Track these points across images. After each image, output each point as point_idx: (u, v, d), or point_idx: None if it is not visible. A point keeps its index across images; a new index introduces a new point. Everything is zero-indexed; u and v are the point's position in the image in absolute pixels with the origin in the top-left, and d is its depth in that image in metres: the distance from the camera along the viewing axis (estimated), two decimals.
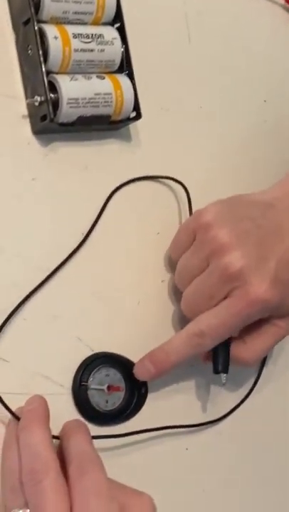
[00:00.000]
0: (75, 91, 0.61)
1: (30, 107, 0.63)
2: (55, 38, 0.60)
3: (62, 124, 0.61)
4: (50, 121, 0.60)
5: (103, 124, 0.64)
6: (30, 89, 0.62)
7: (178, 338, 0.61)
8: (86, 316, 0.63)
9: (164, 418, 0.64)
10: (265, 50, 0.78)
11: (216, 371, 0.62)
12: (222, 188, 0.66)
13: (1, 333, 0.58)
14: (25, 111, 0.63)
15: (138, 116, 0.65)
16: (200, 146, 0.72)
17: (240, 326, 0.61)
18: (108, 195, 0.65)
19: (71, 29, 0.61)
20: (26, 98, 0.63)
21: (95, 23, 0.63)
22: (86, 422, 0.59)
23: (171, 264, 0.66)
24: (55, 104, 0.60)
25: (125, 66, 0.64)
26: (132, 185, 0.66)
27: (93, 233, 0.64)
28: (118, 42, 0.63)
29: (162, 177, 0.68)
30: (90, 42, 0.62)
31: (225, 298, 0.60)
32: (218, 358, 0.62)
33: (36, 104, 0.61)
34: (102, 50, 0.62)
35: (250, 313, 0.60)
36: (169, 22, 0.72)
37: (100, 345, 0.62)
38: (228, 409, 0.67)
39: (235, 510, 0.67)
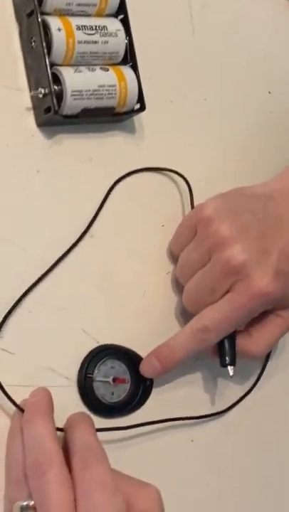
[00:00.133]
0: (79, 83, 0.61)
1: (34, 99, 0.63)
2: (59, 29, 0.60)
3: (67, 116, 0.61)
4: (54, 114, 0.60)
5: (107, 116, 0.64)
6: (34, 82, 0.62)
7: (182, 335, 0.61)
8: (91, 308, 0.62)
9: (169, 410, 0.64)
10: (269, 42, 0.77)
11: (223, 364, 0.62)
12: (226, 181, 0.65)
13: (7, 326, 0.58)
14: (29, 103, 0.63)
15: (142, 108, 0.65)
16: (204, 138, 0.71)
17: (244, 319, 0.61)
18: (109, 187, 0.65)
19: (75, 21, 0.61)
20: (30, 90, 0.63)
21: (99, 14, 0.63)
22: (91, 414, 0.59)
23: (173, 258, 0.66)
24: (59, 96, 0.60)
25: (129, 58, 0.64)
26: (134, 178, 0.66)
27: (97, 225, 0.64)
28: (122, 34, 0.63)
29: (163, 169, 0.68)
30: (93, 34, 0.62)
31: (227, 292, 0.60)
32: (225, 351, 0.62)
33: (40, 96, 0.61)
34: (106, 42, 0.62)
35: (253, 307, 0.60)
36: (173, 14, 0.72)
37: (105, 337, 0.62)
38: (233, 401, 0.67)
39: (240, 502, 0.67)
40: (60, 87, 0.60)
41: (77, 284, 0.62)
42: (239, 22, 0.76)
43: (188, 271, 0.63)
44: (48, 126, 0.63)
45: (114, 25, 0.63)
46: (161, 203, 0.68)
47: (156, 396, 0.64)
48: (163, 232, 0.67)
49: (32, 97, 0.63)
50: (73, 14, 0.62)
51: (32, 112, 0.63)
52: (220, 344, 0.62)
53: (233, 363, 0.62)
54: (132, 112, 0.65)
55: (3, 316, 0.58)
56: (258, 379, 0.69)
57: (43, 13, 0.60)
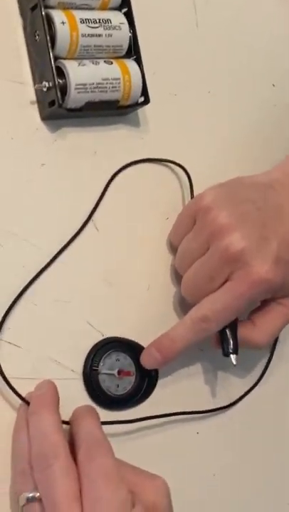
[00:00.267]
0: (83, 76, 0.61)
1: (38, 92, 0.63)
2: (63, 23, 0.60)
3: (71, 110, 0.61)
4: (58, 107, 0.60)
5: (111, 109, 0.64)
6: (38, 75, 0.62)
7: (182, 325, 0.61)
8: (96, 301, 0.63)
9: (175, 403, 0.64)
10: (273, 35, 0.77)
11: (226, 353, 0.62)
12: (228, 174, 0.65)
13: (12, 319, 0.58)
14: (33, 97, 0.63)
15: (146, 101, 0.65)
16: (208, 131, 0.71)
17: (244, 307, 0.60)
18: (109, 178, 0.65)
19: (78, 14, 0.61)
20: (34, 84, 0.63)
21: (103, 8, 0.63)
22: (96, 407, 0.60)
23: (173, 249, 0.66)
24: (63, 90, 0.60)
25: (133, 51, 0.64)
26: (136, 170, 0.66)
27: (100, 217, 0.64)
28: (126, 27, 0.63)
29: (163, 160, 0.68)
30: (97, 27, 0.62)
31: (226, 281, 0.60)
32: (227, 340, 0.62)
33: (44, 89, 0.61)
34: (110, 35, 0.62)
35: (253, 295, 0.59)
36: (177, 6, 0.72)
37: (110, 330, 0.62)
38: (238, 395, 0.67)
39: (245, 494, 0.67)
40: (64, 80, 0.60)
41: (82, 277, 0.62)
42: (243, 15, 0.76)
43: (187, 260, 0.62)
44: (52, 120, 0.63)
45: (118, 18, 0.63)
46: (163, 194, 0.68)
47: (161, 388, 0.64)
48: (168, 225, 0.67)
49: (36, 91, 0.63)
50: (77, 7, 0.62)
51: (36, 106, 0.63)
52: (222, 333, 0.62)
53: (235, 352, 0.62)
54: (136, 105, 0.65)
55: (7, 307, 0.58)
56: (264, 373, 0.69)
57: (46, 7, 0.61)
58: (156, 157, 0.67)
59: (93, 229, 0.64)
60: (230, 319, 0.61)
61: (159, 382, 0.64)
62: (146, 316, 0.64)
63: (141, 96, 0.64)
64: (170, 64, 0.70)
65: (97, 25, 0.62)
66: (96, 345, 0.62)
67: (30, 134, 0.62)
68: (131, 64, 0.64)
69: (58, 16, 0.60)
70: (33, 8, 0.61)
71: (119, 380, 0.62)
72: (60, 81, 0.60)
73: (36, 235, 0.61)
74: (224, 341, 0.62)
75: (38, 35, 0.61)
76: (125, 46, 0.64)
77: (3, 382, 0.56)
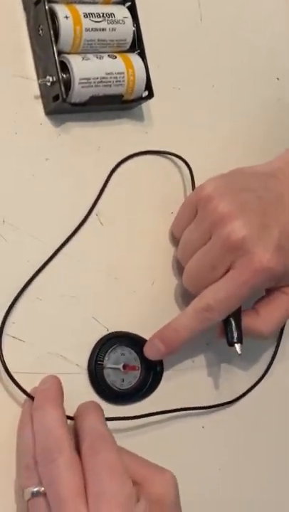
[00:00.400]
0: (87, 70, 0.61)
1: (42, 87, 0.63)
2: (66, 17, 0.60)
3: (75, 104, 0.61)
4: (62, 101, 0.60)
5: (115, 104, 0.64)
6: (42, 70, 0.62)
7: (185, 315, 0.61)
8: (101, 295, 0.63)
9: (180, 397, 0.64)
10: (278, 28, 0.77)
11: (230, 343, 0.61)
12: (233, 167, 0.65)
13: (17, 314, 0.58)
14: (37, 91, 0.63)
15: (150, 95, 0.65)
16: (212, 125, 0.71)
17: (246, 296, 0.60)
18: (110, 170, 0.65)
19: (82, 8, 0.61)
20: (38, 78, 0.63)
21: (106, 2, 0.63)
22: (102, 401, 0.60)
23: (175, 242, 0.66)
24: (67, 84, 0.60)
25: (137, 45, 0.64)
26: (138, 164, 0.66)
27: (104, 210, 0.64)
28: (129, 21, 0.63)
29: (163, 152, 0.68)
30: (101, 21, 0.62)
31: (228, 270, 0.59)
32: (232, 329, 0.61)
33: (48, 84, 0.61)
34: (114, 29, 0.62)
35: (255, 283, 0.59)
36: (181, 0, 0.72)
37: (115, 324, 0.62)
38: (245, 389, 0.67)
39: (251, 488, 0.67)
40: (68, 74, 0.60)
41: (87, 272, 0.62)
42: (247, 8, 0.76)
43: (189, 251, 0.62)
44: (57, 114, 0.63)
45: (122, 12, 0.63)
46: (166, 188, 0.68)
47: (166, 383, 0.64)
48: (171, 218, 0.67)
49: (40, 85, 0.63)
50: (81, 2, 0.62)
51: (40, 100, 0.63)
52: (226, 323, 0.62)
53: (240, 341, 0.61)
54: (140, 99, 0.65)
55: (11, 300, 0.58)
56: (269, 367, 0.69)
57: (50, 1, 0.60)
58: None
59: (97, 223, 0.64)
60: (233, 308, 0.60)
61: (164, 377, 0.64)
62: (151, 310, 0.64)
63: (145, 90, 0.64)
64: (174, 58, 0.70)
65: (100, 19, 0.62)
66: (101, 339, 0.62)
67: (35, 128, 0.62)
68: (135, 58, 0.64)
69: (61, 10, 0.60)
70: (37, 3, 0.61)
71: (124, 374, 0.62)
72: (64, 75, 0.60)
73: (40, 229, 0.61)
74: (228, 331, 0.61)
75: (41, 29, 0.61)
76: (129, 40, 0.64)
77: (8, 377, 0.56)
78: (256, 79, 0.75)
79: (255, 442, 0.68)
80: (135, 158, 0.66)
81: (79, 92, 0.61)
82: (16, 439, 0.56)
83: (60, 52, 0.61)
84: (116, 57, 0.63)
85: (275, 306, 0.63)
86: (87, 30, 0.61)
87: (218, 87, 0.72)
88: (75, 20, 0.60)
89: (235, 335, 0.61)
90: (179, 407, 0.63)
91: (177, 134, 0.69)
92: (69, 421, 0.56)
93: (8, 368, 0.56)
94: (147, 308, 0.64)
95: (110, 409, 0.60)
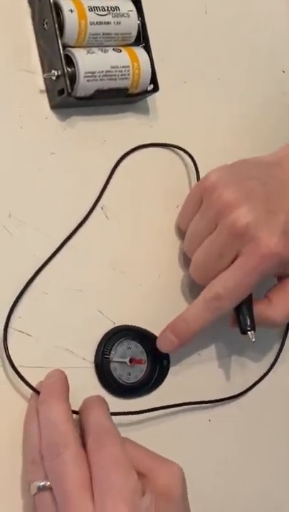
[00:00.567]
0: (92, 64, 0.61)
1: (47, 81, 0.63)
2: (71, 11, 0.60)
3: (80, 98, 0.61)
4: (67, 95, 0.60)
5: (120, 97, 0.64)
6: (47, 64, 0.62)
7: (196, 306, 0.61)
8: (107, 289, 0.63)
9: (186, 391, 0.64)
10: (284, 20, 0.77)
11: (244, 331, 0.61)
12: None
13: (22, 307, 0.58)
14: (42, 85, 0.63)
15: (155, 88, 0.64)
16: (218, 118, 0.71)
17: (256, 283, 0.59)
18: (115, 163, 0.65)
19: (87, 2, 0.61)
20: (43, 72, 0.63)
21: None
22: (108, 395, 0.60)
23: (181, 235, 0.66)
24: (72, 78, 0.60)
25: (142, 38, 0.64)
26: (143, 157, 0.66)
27: (110, 205, 0.64)
28: (134, 14, 0.63)
29: (167, 145, 0.67)
30: (105, 15, 0.61)
31: (235, 258, 0.59)
32: (244, 317, 0.61)
33: (53, 78, 0.61)
34: (119, 23, 0.62)
35: (264, 268, 0.59)
36: None
37: (121, 318, 0.62)
38: (251, 382, 0.67)
39: (259, 482, 0.67)
40: (73, 68, 0.60)
41: (92, 265, 0.62)
42: (253, 0, 0.76)
43: (195, 242, 0.62)
44: (62, 109, 0.63)
45: (127, 5, 0.63)
46: (171, 181, 0.67)
47: (172, 377, 0.64)
48: (177, 212, 0.66)
49: (45, 80, 0.63)
50: None
51: (45, 95, 0.63)
52: (237, 311, 0.61)
53: (253, 328, 0.61)
54: (146, 92, 0.65)
55: (17, 294, 0.58)
56: (276, 360, 0.68)
57: None
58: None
59: (103, 216, 0.63)
60: (243, 296, 0.60)
61: (171, 371, 0.64)
62: (157, 303, 0.64)
63: (150, 84, 0.64)
64: (179, 51, 0.70)
65: (105, 12, 0.61)
66: (107, 333, 0.62)
67: (40, 122, 0.62)
68: (140, 51, 0.63)
69: (66, 4, 0.60)
70: None
71: (130, 368, 0.62)
72: (69, 69, 0.60)
73: (46, 223, 0.61)
74: (241, 318, 0.61)
75: (46, 23, 0.61)
76: (134, 34, 0.63)
77: (13, 371, 0.56)
78: (262, 72, 0.75)
79: (262, 436, 0.68)
80: (140, 152, 0.66)
81: (84, 86, 0.60)
82: (22, 434, 0.56)
83: (65, 46, 0.61)
84: (121, 51, 0.63)
85: (288, 293, 0.62)
86: (92, 23, 0.61)
87: (224, 80, 0.72)
88: (79, 14, 0.60)
89: (248, 322, 0.61)
90: (185, 401, 0.63)
91: (182, 127, 0.69)
92: (74, 415, 0.56)
93: (14, 362, 0.56)
94: (154, 301, 0.64)
95: (116, 403, 0.60)
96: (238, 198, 0.59)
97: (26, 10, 0.63)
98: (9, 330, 0.57)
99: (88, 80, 0.60)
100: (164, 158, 0.68)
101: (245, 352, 0.67)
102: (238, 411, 0.66)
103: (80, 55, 0.60)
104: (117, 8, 0.62)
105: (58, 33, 0.60)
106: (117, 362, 0.61)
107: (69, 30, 0.60)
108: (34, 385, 0.57)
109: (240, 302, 0.61)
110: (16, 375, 0.56)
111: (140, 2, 0.64)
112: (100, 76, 0.61)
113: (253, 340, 0.61)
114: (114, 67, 0.62)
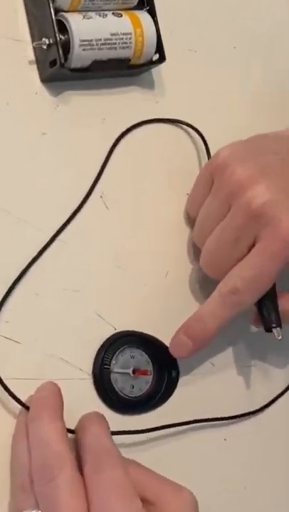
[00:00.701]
0: (89, 31, 0.58)
1: (37, 51, 0.60)
2: None
3: (75, 70, 0.59)
4: (60, 67, 0.58)
5: (122, 69, 0.62)
6: (37, 31, 0.60)
7: (211, 302, 0.58)
8: (107, 289, 0.60)
9: (198, 406, 0.61)
10: None
11: (268, 328, 0.58)
12: None
13: (10, 311, 0.56)
14: (32, 56, 0.60)
15: (161, 58, 0.62)
16: (231, 92, 0.69)
17: (278, 272, 0.56)
18: (114, 141, 0.63)
19: None
20: (33, 41, 0.60)
21: None
22: (109, 411, 0.58)
23: (190, 224, 0.64)
24: (66, 47, 0.58)
25: (146, 1, 0.62)
26: (146, 134, 0.63)
27: (110, 193, 0.61)
28: None
29: (173, 120, 0.65)
30: None
31: (253, 245, 0.56)
32: (268, 312, 0.59)
33: (44, 47, 0.58)
34: None
35: (287, 255, 0.55)
36: None
37: (123, 322, 0.60)
38: (271, 396, 0.64)
39: (280, 509, 0.64)
40: (66, 36, 0.58)
41: (90, 262, 0.60)
42: None
43: (206, 229, 0.59)
44: (54, 82, 0.61)
45: None
46: (178, 162, 0.65)
47: (182, 389, 0.61)
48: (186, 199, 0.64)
49: (35, 49, 0.60)
50: None
51: (35, 66, 0.61)
52: (260, 306, 0.59)
53: (279, 325, 0.58)
54: (150, 63, 0.62)
55: (2, 295, 0.56)
56: None
57: None
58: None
59: (101, 205, 0.61)
60: (264, 288, 0.57)
61: (180, 382, 0.61)
62: (164, 305, 0.62)
63: (155, 53, 0.62)
64: (189, 16, 0.68)
65: None
66: (107, 340, 0.59)
67: (29, 98, 0.60)
68: (143, 16, 0.61)
69: None
70: None
71: (134, 379, 0.59)
72: (62, 37, 0.58)
73: (35, 214, 0.58)
74: (264, 315, 0.59)
75: None
76: None
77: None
78: (283, 41, 0.72)
79: (287, 458, 0.65)
80: (143, 128, 0.64)
81: (79, 56, 0.58)
82: (9, 455, 0.53)
83: (57, 11, 0.58)
84: (122, 16, 0.60)
85: None
86: None
87: (241, 50, 0.70)
88: None
89: (273, 317, 0.58)
90: (196, 418, 0.61)
91: (192, 102, 0.67)
92: (70, 434, 0.53)
93: (0, 373, 0.53)
94: (160, 303, 0.62)
95: (118, 420, 0.58)
96: (253, 174, 0.56)
97: None
98: None
99: (84, 49, 0.58)
100: (171, 136, 0.65)
101: (267, 358, 0.65)
102: (257, 428, 0.64)
103: (74, 21, 0.58)
104: None
105: None
106: (119, 373, 0.58)
107: None
108: (23, 399, 0.54)
109: (262, 295, 0.58)
110: (2, 389, 0.53)
111: None
112: (97, 45, 0.58)
113: (280, 338, 0.58)
114: (113, 34, 0.59)
